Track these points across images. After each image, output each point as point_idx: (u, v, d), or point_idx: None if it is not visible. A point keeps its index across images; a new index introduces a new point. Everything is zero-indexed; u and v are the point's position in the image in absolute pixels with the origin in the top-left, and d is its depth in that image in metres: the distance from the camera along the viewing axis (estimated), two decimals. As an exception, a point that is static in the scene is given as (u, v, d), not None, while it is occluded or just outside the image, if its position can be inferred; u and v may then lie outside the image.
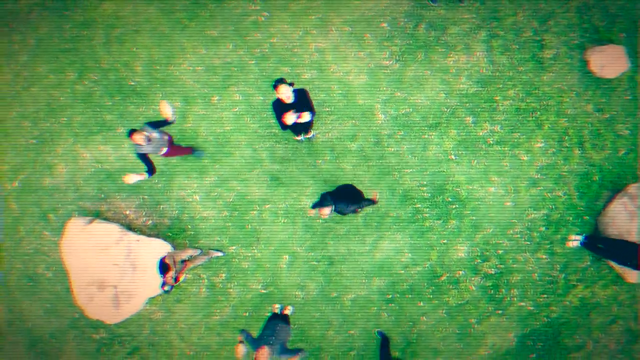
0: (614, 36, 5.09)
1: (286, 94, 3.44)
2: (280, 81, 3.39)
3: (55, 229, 5.42)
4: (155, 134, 3.82)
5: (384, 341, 4.46)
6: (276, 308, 4.78)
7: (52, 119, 5.44)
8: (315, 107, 4.79)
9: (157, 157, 4.91)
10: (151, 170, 3.86)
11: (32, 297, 5.58)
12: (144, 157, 3.80)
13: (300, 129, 4.25)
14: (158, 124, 3.81)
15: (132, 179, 3.68)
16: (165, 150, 4.04)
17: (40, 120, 5.49)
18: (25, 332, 5.65)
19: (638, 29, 5.14)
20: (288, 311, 4.75)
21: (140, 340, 5.23)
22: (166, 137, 4.06)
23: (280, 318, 3.88)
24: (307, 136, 4.74)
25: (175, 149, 4.29)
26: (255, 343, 3.49)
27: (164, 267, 3.88)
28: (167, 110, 3.74)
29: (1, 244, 5.66)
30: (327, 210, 3.49)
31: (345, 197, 3.76)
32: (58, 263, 5.43)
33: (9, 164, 5.59)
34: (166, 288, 3.86)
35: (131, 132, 3.63)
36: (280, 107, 3.58)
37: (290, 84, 3.51)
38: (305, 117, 3.48)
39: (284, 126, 3.61)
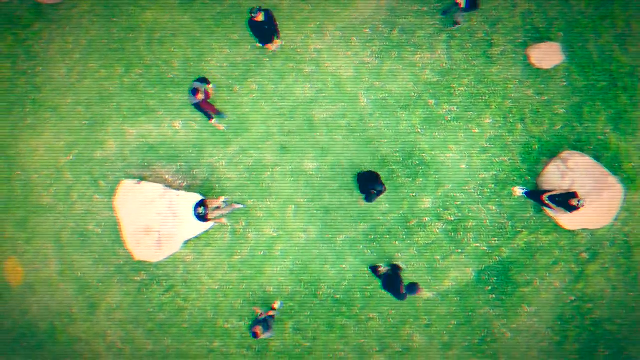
0: (553, 35, 6.55)
1: (260, 17, 5.15)
2: (258, 9, 5.04)
3: (105, 192, 6.72)
4: (201, 88, 5.33)
5: (394, 271, 5.45)
6: (259, 313, 5.57)
7: (103, 104, 6.78)
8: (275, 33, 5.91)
9: (190, 105, 6.32)
10: (216, 112, 5.49)
11: (82, 251, 6.84)
12: (198, 107, 5.33)
13: (267, 36, 5.67)
14: (204, 80, 5.33)
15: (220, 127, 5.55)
16: (202, 98, 5.39)
17: (92, 105, 6.81)
18: (75, 280, 6.90)
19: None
20: (277, 305, 5.94)
21: (175, 279, 6.53)
22: (204, 93, 5.50)
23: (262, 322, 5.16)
24: (275, 44, 5.97)
25: (207, 104, 5.72)
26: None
27: (199, 206, 5.18)
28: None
29: (55, 207, 6.93)
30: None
31: (369, 181, 5.24)
32: (107, 220, 6.72)
33: (64, 141, 6.90)
34: (200, 211, 5.15)
35: (195, 91, 5.17)
36: (254, 25, 5.30)
37: (260, 9, 5.10)
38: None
39: (261, 41, 5.53)
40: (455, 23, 6.30)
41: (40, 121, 6.95)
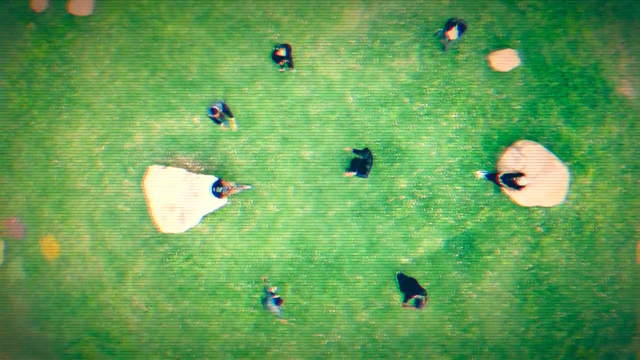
0: (511, 43, 7.78)
1: (281, 52, 6.71)
2: (281, 46, 6.56)
3: (134, 177, 7.91)
4: (219, 109, 6.67)
5: (406, 281, 6.67)
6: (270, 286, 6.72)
7: (131, 102, 7.98)
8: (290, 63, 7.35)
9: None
10: (226, 119, 7.07)
11: (112, 228, 8.01)
12: (215, 119, 6.60)
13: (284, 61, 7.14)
14: (225, 108, 6.71)
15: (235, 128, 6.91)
16: (217, 117, 6.71)
17: (122, 103, 8.01)
18: (105, 254, 8.05)
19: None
20: (274, 289, 6.69)
21: (193, 249, 7.74)
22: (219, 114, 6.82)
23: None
24: (290, 71, 7.49)
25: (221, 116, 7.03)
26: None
27: (217, 185, 6.44)
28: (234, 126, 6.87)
29: (88, 191, 8.10)
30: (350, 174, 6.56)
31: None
32: (134, 201, 7.91)
33: (96, 134, 8.09)
34: (217, 189, 6.44)
35: (213, 111, 6.55)
36: (276, 57, 6.80)
37: (282, 45, 6.63)
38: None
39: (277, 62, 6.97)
40: (443, 48, 7.52)
41: (75, 117, 8.12)
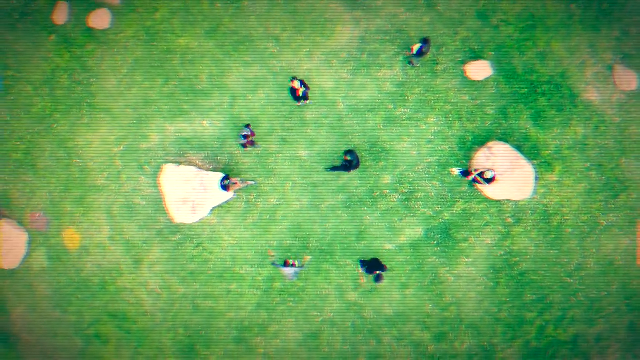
0: (485, 54, 8.74)
1: (297, 85, 7.50)
2: (294, 78, 7.43)
3: (149, 175, 8.87)
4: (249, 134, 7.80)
5: (370, 263, 7.87)
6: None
7: (147, 107, 8.94)
8: (306, 97, 8.42)
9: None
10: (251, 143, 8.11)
11: (129, 220, 8.93)
12: (242, 145, 7.94)
13: (301, 99, 8.13)
14: (250, 130, 7.85)
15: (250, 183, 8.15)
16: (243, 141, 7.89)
17: (139, 108, 8.96)
18: (123, 243, 8.96)
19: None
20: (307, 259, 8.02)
21: (202, 238, 8.72)
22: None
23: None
24: (306, 103, 8.43)
25: (250, 143, 8.14)
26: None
27: (225, 179, 7.46)
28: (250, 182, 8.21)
29: (107, 187, 9.01)
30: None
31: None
32: (150, 196, 8.85)
33: (115, 136, 9.02)
34: (225, 182, 7.49)
35: (245, 137, 7.68)
36: (293, 91, 7.69)
37: (299, 81, 7.57)
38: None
39: (296, 99, 7.79)
40: (410, 63, 8.54)
41: (95, 120, 9.04)
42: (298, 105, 8.57)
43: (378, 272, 7.48)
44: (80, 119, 9.07)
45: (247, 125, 7.96)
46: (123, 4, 8.99)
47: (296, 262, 7.67)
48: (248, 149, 8.46)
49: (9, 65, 9.13)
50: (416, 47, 8.02)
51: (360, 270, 8.24)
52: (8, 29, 9.18)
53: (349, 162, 7.85)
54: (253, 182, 8.50)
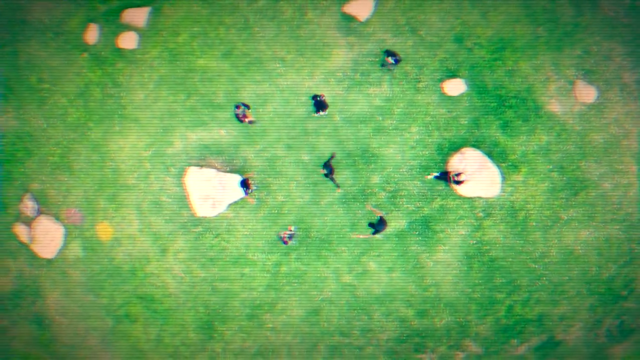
0: (460, 73, 10.17)
1: (323, 97, 9.25)
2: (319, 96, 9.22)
3: (175, 175, 10.35)
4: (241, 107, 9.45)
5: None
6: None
7: (172, 118, 10.40)
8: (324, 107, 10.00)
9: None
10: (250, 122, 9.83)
11: (157, 215, 10.40)
12: (239, 119, 9.29)
13: (320, 110, 9.82)
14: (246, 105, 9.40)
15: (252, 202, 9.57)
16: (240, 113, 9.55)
17: (164, 119, 10.42)
18: (151, 235, 10.42)
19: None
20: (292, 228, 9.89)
21: (220, 229, 10.24)
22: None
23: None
24: (323, 114, 9.95)
25: (243, 117, 9.81)
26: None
27: (244, 182, 9.02)
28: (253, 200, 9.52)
29: (137, 186, 10.44)
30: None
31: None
32: (175, 194, 10.31)
33: (144, 142, 10.46)
34: (246, 182, 9.11)
35: (238, 110, 9.22)
36: (317, 101, 9.31)
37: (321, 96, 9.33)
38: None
39: (316, 110, 9.64)
40: (382, 65, 10.01)
41: (126, 129, 10.48)
42: (314, 116, 10.07)
43: (380, 216, 9.31)
44: (112, 127, 10.46)
45: (237, 106, 9.72)
46: (149, 28, 10.40)
47: (292, 227, 9.71)
48: (246, 122, 10.03)
49: (43, 79, 10.45)
50: (390, 58, 9.77)
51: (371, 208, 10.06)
52: (42, 45, 10.50)
53: (326, 174, 9.67)
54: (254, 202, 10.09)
